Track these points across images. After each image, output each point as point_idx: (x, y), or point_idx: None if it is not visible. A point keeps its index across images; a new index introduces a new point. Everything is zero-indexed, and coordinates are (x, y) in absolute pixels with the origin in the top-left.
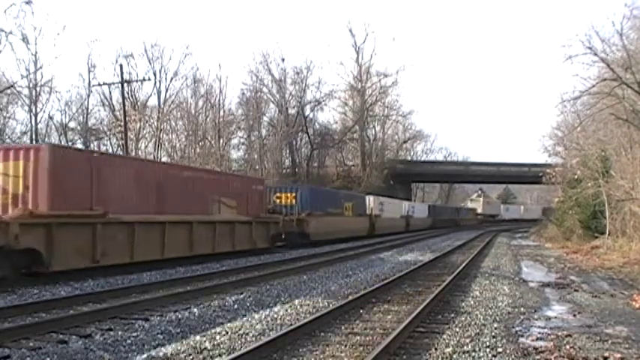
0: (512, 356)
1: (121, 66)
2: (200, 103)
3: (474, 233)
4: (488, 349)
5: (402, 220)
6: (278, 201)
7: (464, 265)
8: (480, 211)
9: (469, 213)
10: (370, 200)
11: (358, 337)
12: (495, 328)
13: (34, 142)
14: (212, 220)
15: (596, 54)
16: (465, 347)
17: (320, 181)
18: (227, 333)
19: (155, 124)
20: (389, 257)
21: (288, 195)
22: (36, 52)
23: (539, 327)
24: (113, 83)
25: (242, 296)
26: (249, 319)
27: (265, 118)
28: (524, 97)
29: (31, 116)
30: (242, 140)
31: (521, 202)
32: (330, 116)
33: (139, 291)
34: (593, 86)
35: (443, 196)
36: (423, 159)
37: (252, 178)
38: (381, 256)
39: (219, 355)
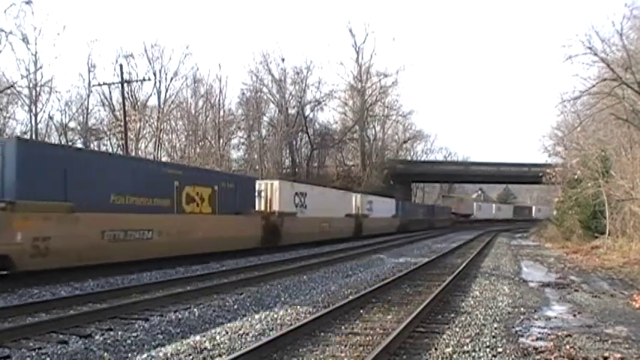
0: (512, 356)
1: (121, 66)
2: (200, 103)
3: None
4: (488, 349)
5: (349, 221)
6: None
7: None
8: (453, 210)
9: (444, 212)
10: (272, 188)
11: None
12: (495, 328)
13: None
14: None
15: (596, 54)
16: (465, 347)
17: (320, 181)
18: (227, 333)
19: (155, 124)
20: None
21: None
22: (36, 52)
23: (539, 327)
24: (113, 83)
25: (242, 296)
26: (249, 319)
27: (265, 118)
28: (524, 97)
29: (31, 116)
30: (242, 140)
31: (492, 200)
32: (330, 116)
33: (139, 291)
34: (593, 86)
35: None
36: (423, 159)
37: None
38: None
39: (219, 355)
